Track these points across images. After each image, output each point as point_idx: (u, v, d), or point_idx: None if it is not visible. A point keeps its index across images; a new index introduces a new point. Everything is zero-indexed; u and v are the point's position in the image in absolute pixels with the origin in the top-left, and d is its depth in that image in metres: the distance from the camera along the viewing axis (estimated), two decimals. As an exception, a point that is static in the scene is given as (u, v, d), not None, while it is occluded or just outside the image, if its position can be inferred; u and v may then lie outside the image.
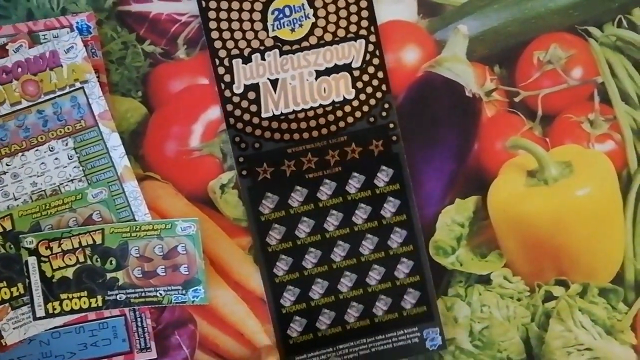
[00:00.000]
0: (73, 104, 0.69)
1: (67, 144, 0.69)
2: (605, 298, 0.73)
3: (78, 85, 0.69)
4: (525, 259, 0.73)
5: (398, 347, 0.71)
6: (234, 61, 0.69)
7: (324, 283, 0.70)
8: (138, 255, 0.68)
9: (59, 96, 0.68)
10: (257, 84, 0.69)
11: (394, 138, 0.70)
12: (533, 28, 0.73)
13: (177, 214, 0.70)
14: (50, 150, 0.69)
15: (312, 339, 0.70)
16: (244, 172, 0.69)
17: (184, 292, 0.69)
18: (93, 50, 0.69)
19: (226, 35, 0.69)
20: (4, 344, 0.68)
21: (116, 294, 0.69)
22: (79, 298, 0.68)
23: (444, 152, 0.72)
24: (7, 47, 0.68)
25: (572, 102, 0.74)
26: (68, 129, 0.69)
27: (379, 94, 0.69)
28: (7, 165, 0.68)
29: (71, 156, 0.69)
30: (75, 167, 0.69)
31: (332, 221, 0.70)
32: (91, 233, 0.68)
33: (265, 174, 0.69)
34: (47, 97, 0.68)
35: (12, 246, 0.68)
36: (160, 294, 0.69)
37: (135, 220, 0.69)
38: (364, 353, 0.71)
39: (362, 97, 0.69)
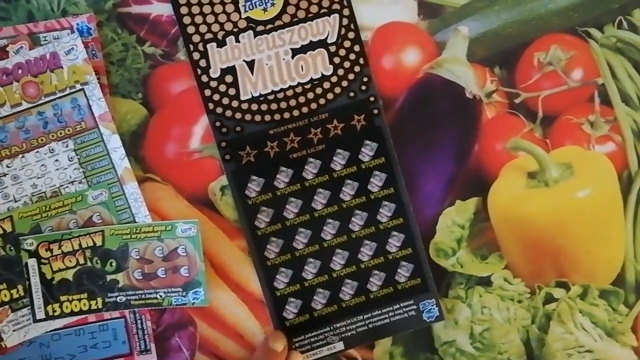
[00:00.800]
0: (73, 106, 0.69)
1: (67, 146, 0.69)
2: (606, 300, 0.73)
3: (78, 87, 0.69)
4: (525, 261, 0.73)
5: (395, 322, 0.70)
6: (208, 45, 0.68)
7: (317, 262, 0.69)
8: (138, 257, 0.69)
9: (59, 98, 0.68)
10: (234, 66, 0.68)
11: (375, 111, 0.69)
12: (533, 29, 0.73)
13: (177, 216, 0.70)
14: (51, 152, 0.69)
15: (309, 320, 0.70)
16: (227, 157, 0.68)
17: (184, 294, 0.69)
18: (93, 52, 0.70)
19: (198, 19, 0.68)
20: (3, 346, 0.68)
21: (116, 296, 0.69)
22: (79, 300, 0.68)
23: (444, 154, 0.72)
24: (7, 49, 0.68)
25: (572, 104, 0.73)
26: (68, 130, 0.69)
27: (357, 68, 0.68)
28: (8, 167, 0.68)
29: (71, 158, 0.69)
30: (75, 168, 0.69)
31: (320, 200, 0.69)
32: (91, 235, 0.68)
33: (248, 157, 0.68)
34: (48, 99, 0.68)
35: (12, 248, 0.68)
36: (161, 296, 0.69)
37: (136, 222, 0.69)
38: (361, 330, 0.70)
39: (340, 72, 0.69)
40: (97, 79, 0.69)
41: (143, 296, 0.69)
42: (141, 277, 0.69)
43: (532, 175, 0.73)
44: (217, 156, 0.70)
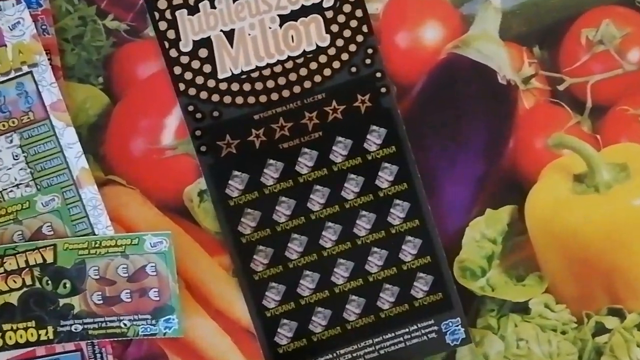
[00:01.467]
0: (19, 92, 0.67)
1: (11, 141, 0.67)
2: (669, 331, 0.71)
3: (26, 69, 0.67)
4: (571, 283, 0.71)
5: (412, 346, 0.68)
6: (177, 13, 0.66)
7: (314, 275, 0.67)
8: (98, 276, 0.66)
9: (2, 83, 0.67)
10: (209, 38, 0.66)
11: (383, 89, 0.66)
12: (581, 0, 0.71)
13: (145, 227, 0.68)
14: (-9, 149, 0.68)
15: (306, 346, 0.67)
16: (203, 148, 0.66)
17: (153, 322, 0.66)
18: (44, 27, 0.67)
19: (164, -21, 0.67)
20: None
21: (71, 325, 0.67)
22: (26, 329, 0.67)
23: (472, 152, 0.70)
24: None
25: (628, 91, 0.71)
26: (13, 122, 0.67)
27: (359, 38, 0.66)
28: (-61, 166, 0.68)
29: (17, 156, 0.67)
30: (21, 169, 0.67)
31: (317, 199, 0.67)
32: (40, 250, 0.66)
33: (229, 148, 0.66)
34: (-13, 84, 0.68)
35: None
36: (125, 325, 0.67)
37: (95, 234, 0.67)
38: (371, 357, 0.68)
39: (340, 43, 0.66)
40: (49, 59, 0.67)
41: (104, 325, 0.66)
42: (101, 302, 0.66)
43: (579, 178, 0.71)
44: (195, 154, 0.67)
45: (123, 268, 0.66)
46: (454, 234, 0.69)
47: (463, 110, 0.70)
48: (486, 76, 0.70)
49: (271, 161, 0.67)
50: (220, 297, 0.68)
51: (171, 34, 0.66)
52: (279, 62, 0.66)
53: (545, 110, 0.71)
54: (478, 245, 0.70)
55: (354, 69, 0.67)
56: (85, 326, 0.66)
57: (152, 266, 0.66)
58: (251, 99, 0.66)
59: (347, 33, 0.66)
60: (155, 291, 0.66)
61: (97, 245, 0.66)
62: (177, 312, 0.66)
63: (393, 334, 0.68)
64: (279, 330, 0.67)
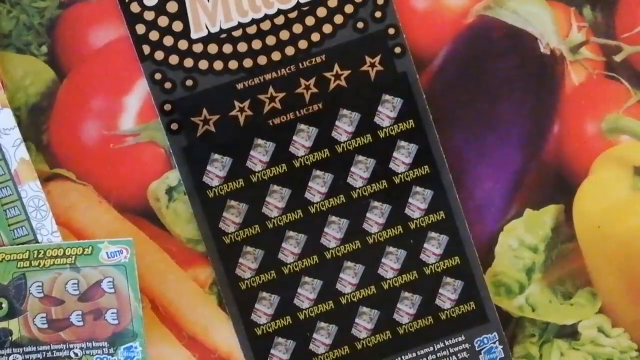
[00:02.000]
0: None
1: None
2: None
3: None
4: (631, 302, 0.66)
5: None
6: None
7: (315, 283, 0.62)
8: (42, 295, 0.61)
9: None
10: None
11: (397, 49, 0.61)
12: None
13: (100, 232, 0.62)
14: None
15: None
16: (174, 127, 0.60)
17: (111, 350, 0.61)
18: None
19: None
20: None
21: (8, 355, 0.62)
22: None
23: (507, 138, 0.64)
24: None
25: None
26: None
27: None
28: None
29: None
30: None
31: (318, 187, 0.61)
32: None
33: (206, 125, 0.61)
34: None
35: None
36: (76, 354, 0.61)
37: (38, 242, 0.63)
38: None
39: None
40: (-22, 24, 0.62)
41: (49, 354, 0.61)
42: (46, 326, 0.61)
43: (640, 171, 0.67)
44: (162, 141, 0.61)
45: (73, 284, 0.61)
46: (485, 240, 0.64)
47: (495, 87, 0.63)
48: (525, 44, 0.64)
49: (259, 141, 0.61)
50: (193, 320, 0.63)
51: (132, -17, 0.61)
52: (266, 17, 0.61)
53: (599, 87, 0.66)
54: (515, 255, 0.64)
55: (360, 24, 0.61)
56: (27, 356, 0.61)
57: (109, 281, 0.61)
58: (233, 64, 0.61)
59: (351, -22, 0.61)
60: (113, 313, 0.61)
61: (40, 256, 0.61)
62: (140, 338, 0.61)
63: (414, 354, 0.63)
64: (272, 351, 0.62)
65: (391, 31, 0.61)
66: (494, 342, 0.64)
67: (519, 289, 0.64)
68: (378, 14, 0.61)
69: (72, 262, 0.61)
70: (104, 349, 0.61)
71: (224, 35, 0.61)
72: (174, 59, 0.60)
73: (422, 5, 0.63)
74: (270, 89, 0.61)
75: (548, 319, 0.64)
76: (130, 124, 0.62)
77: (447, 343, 0.63)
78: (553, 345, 0.65)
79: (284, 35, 0.61)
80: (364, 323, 0.63)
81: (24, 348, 0.61)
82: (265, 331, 0.62)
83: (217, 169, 0.61)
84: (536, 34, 0.63)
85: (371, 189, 0.62)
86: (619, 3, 0.65)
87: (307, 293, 0.62)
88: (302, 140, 0.62)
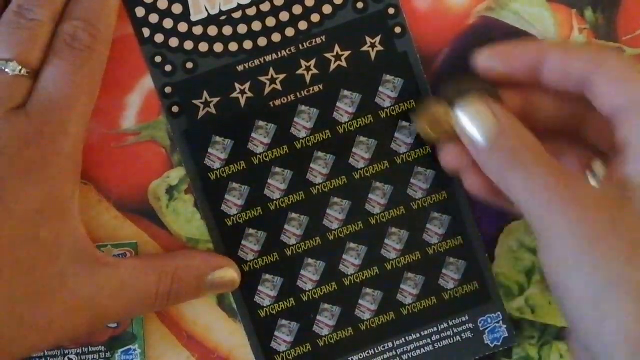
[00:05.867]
0: None
1: None
2: None
3: None
4: None
5: (442, 349, 0.63)
6: None
7: (318, 264, 0.63)
8: None
9: None
10: None
11: (398, 29, 0.62)
12: None
13: (101, 232, 0.62)
14: None
15: (310, 352, 0.63)
16: (175, 109, 0.61)
17: (108, 355, 0.61)
18: None
19: None
20: None
21: None
22: None
23: None
24: None
25: None
26: None
27: None
28: None
29: None
30: None
31: (319, 169, 0.62)
32: None
33: (207, 107, 0.61)
34: None
35: None
36: None
37: None
38: None
39: None
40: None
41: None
42: None
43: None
44: (163, 141, 0.61)
45: (69, 284, 0.57)
46: (485, 241, 0.62)
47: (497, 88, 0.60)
48: (527, 46, 0.65)
49: (260, 123, 0.61)
50: (193, 322, 0.61)
51: (131, -35, 0.58)
52: (266, -2, 0.60)
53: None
54: (515, 257, 0.63)
55: (360, 5, 0.61)
56: (18, 362, 0.56)
57: (107, 282, 0.58)
58: (233, 46, 0.60)
59: (350, -43, 0.59)
60: (111, 315, 0.58)
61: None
62: (139, 340, 0.60)
63: (418, 335, 0.63)
64: (276, 333, 0.62)
65: (391, 11, 0.62)
66: (498, 322, 0.64)
67: (518, 290, 0.64)
68: None
69: (69, 263, 0.58)
70: (100, 354, 0.60)
71: (223, 17, 0.61)
72: (174, 42, 0.61)
73: (423, 5, 0.63)
74: (271, 71, 0.61)
75: (548, 321, 0.64)
76: (131, 123, 0.62)
77: (450, 323, 0.64)
78: (552, 347, 0.64)
79: (284, 16, 0.61)
80: (368, 304, 0.63)
81: (15, 353, 0.56)
82: (268, 314, 0.63)
83: (218, 152, 0.61)
84: (538, 35, 0.64)
85: (373, 170, 0.62)
86: (621, 5, 0.65)
87: (310, 275, 0.63)
88: (304, 122, 0.62)
